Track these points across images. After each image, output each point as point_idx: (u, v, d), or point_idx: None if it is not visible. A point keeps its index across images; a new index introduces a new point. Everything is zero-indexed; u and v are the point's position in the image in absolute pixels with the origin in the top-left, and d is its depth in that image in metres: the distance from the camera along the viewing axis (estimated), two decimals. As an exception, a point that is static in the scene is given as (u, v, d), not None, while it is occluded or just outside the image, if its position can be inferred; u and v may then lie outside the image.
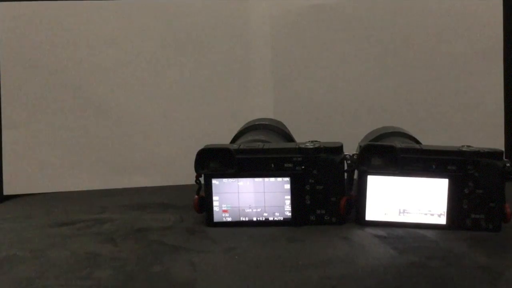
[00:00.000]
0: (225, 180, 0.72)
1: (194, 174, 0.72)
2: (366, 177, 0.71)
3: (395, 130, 0.83)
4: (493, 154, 0.69)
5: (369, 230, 0.70)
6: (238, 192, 0.72)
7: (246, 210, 0.73)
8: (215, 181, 0.72)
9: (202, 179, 0.73)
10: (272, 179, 0.72)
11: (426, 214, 0.71)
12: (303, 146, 0.72)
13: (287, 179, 0.72)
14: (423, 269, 0.58)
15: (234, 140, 0.84)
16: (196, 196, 0.74)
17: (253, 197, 0.72)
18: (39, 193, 1.01)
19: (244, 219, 0.73)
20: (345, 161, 0.72)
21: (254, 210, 0.72)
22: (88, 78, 1.01)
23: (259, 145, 0.73)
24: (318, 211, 0.72)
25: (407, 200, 0.71)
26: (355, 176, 0.74)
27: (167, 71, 1.04)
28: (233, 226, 0.73)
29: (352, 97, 1.05)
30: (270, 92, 1.05)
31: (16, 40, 1.00)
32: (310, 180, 0.72)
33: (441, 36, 1.04)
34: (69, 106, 1.01)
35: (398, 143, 0.72)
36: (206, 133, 1.03)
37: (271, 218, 0.73)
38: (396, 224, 0.71)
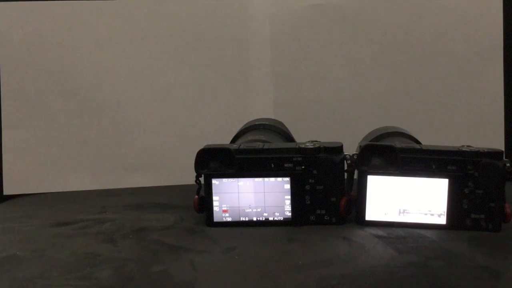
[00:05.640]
0: (225, 180, 0.72)
1: (194, 174, 0.72)
2: (366, 177, 0.71)
3: (395, 130, 0.83)
4: (493, 154, 0.69)
5: (369, 230, 0.70)
6: (238, 192, 0.72)
7: (246, 210, 0.73)
8: (215, 181, 0.72)
9: (202, 179, 0.73)
10: (272, 179, 0.72)
11: (426, 214, 0.71)
12: (303, 146, 0.72)
13: (287, 179, 0.72)
14: (423, 269, 0.58)
15: (234, 140, 0.84)
16: (196, 196, 0.74)
17: (253, 197, 0.72)
18: (39, 193, 1.01)
19: (244, 219, 0.73)
20: (345, 161, 0.72)
21: (254, 210, 0.72)
22: (88, 78, 1.02)
23: (259, 145, 0.73)
24: (318, 211, 0.72)
25: (407, 200, 0.71)
26: (355, 176, 0.74)
27: (167, 71, 1.04)
28: (233, 226, 0.73)
29: (352, 97, 1.05)
30: (270, 92, 1.05)
31: (16, 40, 1.00)
32: (310, 180, 0.72)
33: (441, 36, 1.04)
34: (69, 106, 1.01)
35: (398, 143, 0.72)
36: (206, 133, 1.03)
37: (271, 218, 0.73)
38: (396, 224, 0.71)
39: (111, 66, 1.02)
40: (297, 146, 0.72)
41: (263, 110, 1.04)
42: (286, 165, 0.71)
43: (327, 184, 0.72)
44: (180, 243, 0.67)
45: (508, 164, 0.68)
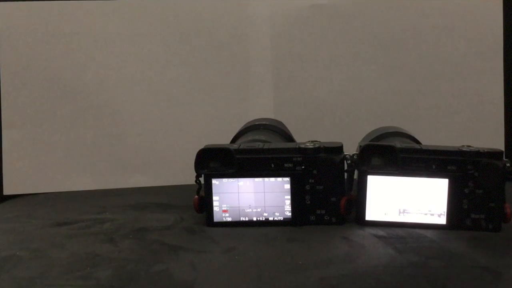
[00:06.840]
0: (225, 180, 0.72)
1: (194, 174, 0.72)
2: (366, 177, 0.71)
3: (395, 130, 0.83)
4: (493, 154, 0.69)
5: (369, 230, 0.70)
6: (238, 192, 0.72)
7: (246, 210, 0.73)
8: (215, 181, 0.72)
9: (202, 179, 0.73)
10: (272, 179, 0.72)
11: (426, 214, 0.71)
12: (303, 146, 0.72)
13: (287, 179, 0.72)
14: (423, 269, 0.58)
15: (234, 140, 0.84)
16: (196, 196, 0.74)
17: (253, 197, 0.72)
18: (39, 193, 1.01)
19: (244, 219, 0.73)
20: (345, 161, 0.72)
21: (254, 210, 0.72)
22: (87, 78, 1.02)
23: (259, 145, 0.73)
24: (318, 211, 0.72)
25: (407, 200, 0.71)
26: (355, 176, 0.74)
27: (167, 71, 1.04)
28: (233, 226, 0.73)
29: (352, 97, 1.05)
30: (270, 92, 1.05)
31: (16, 40, 1.00)
32: (310, 180, 0.72)
33: (440, 36, 1.04)
34: (69, 106, 1.01)
35: (398, 143, 0.72)
36: (206, 133, 1.03)
37: (271, 218, 0.73)
38: (396, 224, 0.71)
39: (111, 66, 1.02)
40: (297, 146, 0.72)
41: (263, 110, 1.04)
42: (286, 165, 0.71)
43: (327, 184, 0.72)
44: (180, 243, 0.67)
45: (508, 164, 0.68)
